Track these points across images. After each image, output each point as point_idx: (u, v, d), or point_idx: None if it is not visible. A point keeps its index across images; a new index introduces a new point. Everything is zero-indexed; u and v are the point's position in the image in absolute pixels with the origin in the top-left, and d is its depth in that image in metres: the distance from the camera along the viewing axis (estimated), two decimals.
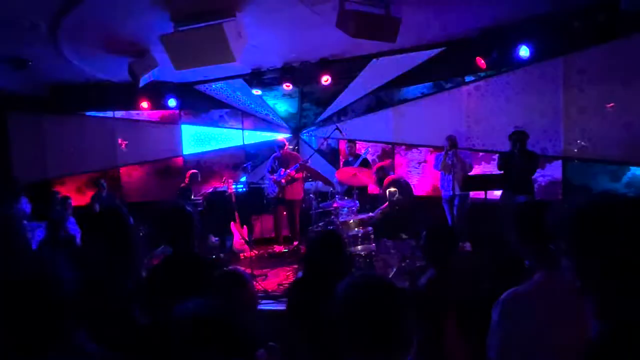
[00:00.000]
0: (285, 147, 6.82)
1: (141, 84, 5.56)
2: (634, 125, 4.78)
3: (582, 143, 5.28)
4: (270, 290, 4.63)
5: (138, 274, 2.11)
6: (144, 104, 7.79)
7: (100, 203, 6.77)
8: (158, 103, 7.84)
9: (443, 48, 6.25)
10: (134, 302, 1.94)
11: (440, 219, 5.98)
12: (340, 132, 6.15)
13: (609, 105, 4.98)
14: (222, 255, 6.40)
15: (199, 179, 7.20)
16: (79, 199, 7.48)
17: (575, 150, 5.34)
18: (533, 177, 5.30)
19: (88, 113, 8.05)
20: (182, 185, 7.08)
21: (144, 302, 1.95)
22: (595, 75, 5.07)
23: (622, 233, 0.85)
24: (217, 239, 7.37)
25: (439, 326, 2.12)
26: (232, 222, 6.60)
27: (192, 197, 6.93)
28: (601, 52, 4.97)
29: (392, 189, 5.43)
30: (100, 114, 8.10)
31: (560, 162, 5.51)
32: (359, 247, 4.80)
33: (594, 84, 5.09)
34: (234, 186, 6.58)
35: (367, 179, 5.88)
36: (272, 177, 6.74)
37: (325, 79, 6.83)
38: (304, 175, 6.71)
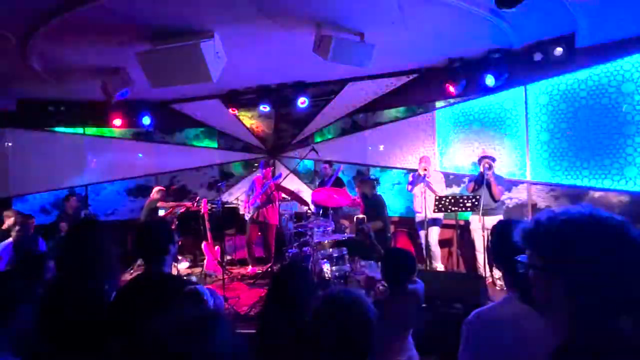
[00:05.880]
0: (268, 169, 6.71)
1: (114, 99, 5.47)
2: (592, 152, 5.08)
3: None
4: (242, 313, 4.53)
5: (109, 296, 2.03)
6: (117, 122, 7.63)
7: (67, 222, 6.49)
8: (132, 121, 7.71)
9: (415, 75, 6.52)
10: (105, 326, 1.87)
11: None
12: (316, 152, 6.21)
13: (567, 132, 5.29)
14: (192, 276, 6.22)
15: (166, 196, 7.08)
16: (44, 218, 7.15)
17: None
18: (501, 199, 5.50)
19: (57, 129, 7.79)
20: (148, 201, 6.95)
21: (113, 324, 1.87)
22: (555, 103, 5.39)
23: (593, 250, 0.86)
24: (188, 259, 7.17)
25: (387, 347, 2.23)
26: (204, 243, 6.46)
27: (162, 214, 6.77)
28: (559, 83, 5.32)
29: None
30: (70, 130, 7.87)
31: (526, 185, 5.75)
32: (334, 268, 4.79)
33: (555, 112, 5.40)
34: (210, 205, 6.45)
35: (343, 198, 5.92)
36: (248, 200, 6.67)
37: (302, 100, 6.93)
38: (280, 197, 6.68)
